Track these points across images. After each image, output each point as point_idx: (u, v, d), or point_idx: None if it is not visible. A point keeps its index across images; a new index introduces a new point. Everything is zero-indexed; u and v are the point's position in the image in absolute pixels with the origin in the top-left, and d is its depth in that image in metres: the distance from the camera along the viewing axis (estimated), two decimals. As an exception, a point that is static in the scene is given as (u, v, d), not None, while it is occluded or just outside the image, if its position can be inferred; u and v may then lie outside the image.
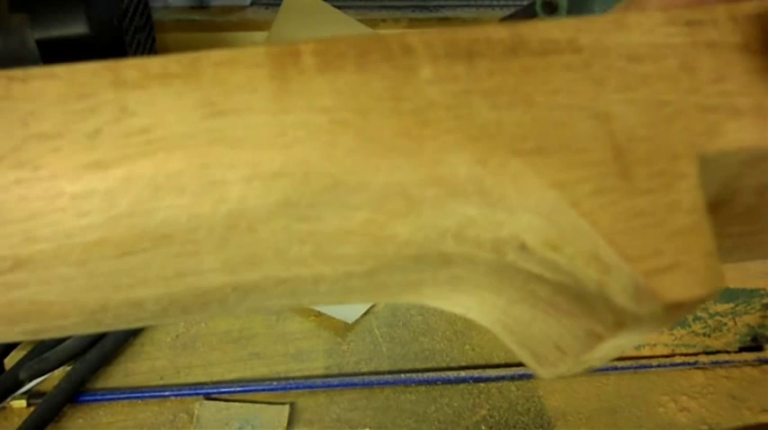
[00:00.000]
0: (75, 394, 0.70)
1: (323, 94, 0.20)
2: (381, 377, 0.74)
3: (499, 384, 0.75)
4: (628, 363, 0.77)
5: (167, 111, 0.19)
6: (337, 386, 0.73)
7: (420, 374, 0.74)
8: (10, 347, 0.71)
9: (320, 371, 0.74)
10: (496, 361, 0.77)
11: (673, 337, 0.79)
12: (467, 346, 0.77)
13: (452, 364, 0.76)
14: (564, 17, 0.22)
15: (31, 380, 0.69)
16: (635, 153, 0.21)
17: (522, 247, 0.21)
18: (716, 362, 0.78)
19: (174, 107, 0.19)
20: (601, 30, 0.22)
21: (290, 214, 0.20)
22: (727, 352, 0.80)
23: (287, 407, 0.71)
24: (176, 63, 0.20)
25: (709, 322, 0.79)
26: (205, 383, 0.72)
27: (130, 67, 0.20)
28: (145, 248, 0.20)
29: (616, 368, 0.77)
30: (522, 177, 0.20)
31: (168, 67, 0.20)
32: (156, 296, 0.21)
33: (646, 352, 0.79)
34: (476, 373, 0.75)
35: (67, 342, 0.70)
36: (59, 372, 0.70)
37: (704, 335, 0.79)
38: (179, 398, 0.71)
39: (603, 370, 0.76)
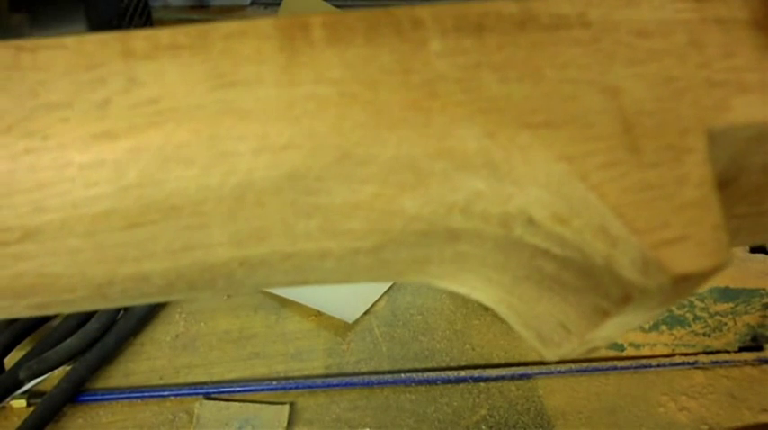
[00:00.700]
0: (75, 394, 0.70)
1: (332, 67, 0.20)
2: (381, 377, 0.74)
3: (499, 384, 0.75)
4: (628, 363, 0.77)
5: (176, 83, 0.19)
6: (337, 386, 0.73)
7: (420, 374, 0.74)
8: (10, 347, 0.70)
9: (320, 371, 0.74)
10: (496, 360, 0.77)
11: (673, 337, 0.79)
12: (467, 346, 0.77)
13: (452, 364, 0.76)
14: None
15: (30, 380, 0.69)
16: (643, 127, 0.21)
17: (530, 221, 0.21)
18: (716, 362, 0.78)
19: (182, 78, 0.19)
20: (610, 5, 0.22)
21: (298, 187, 0.20)
22: (727, 351, 0.80)
23: (287, 407, 0.71)
24: (185, 35, 0.20)
25: (709, 322, 0.79)
26: (205, 383, 0.72)
27: (139, 38, 0.20)
28: (153, 220, 0.19)
29: (616, 368, 0.77)
30: (530, 150, 0.20)
31: (177, 39, 0.20)
32: (163, 270, 0.21)
33: (646, 352, 0.79)
34: (476, 373, 0.75)
35: (67, 342, 0.70)
36: (59, 372, 0.70)
37: (704, 334, 0.79)
38: (179, 397, 0.71)
39: (603, 370, 0.76)
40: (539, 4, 0.22)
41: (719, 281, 0.75)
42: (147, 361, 0.74)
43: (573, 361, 0.77)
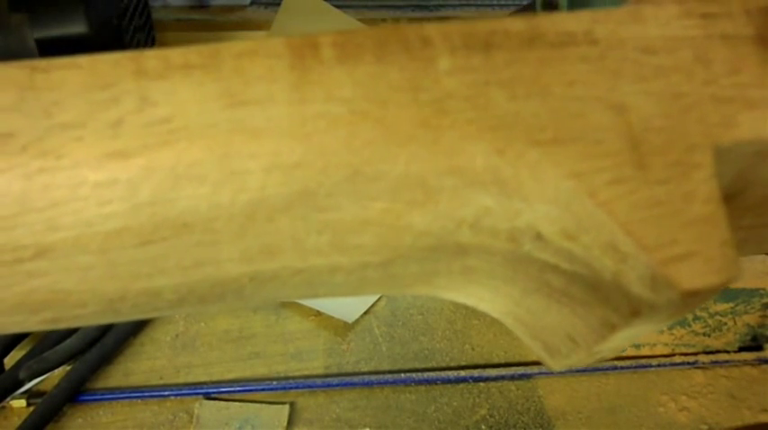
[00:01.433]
0: (75, 394, 0.70)
1: (342, 85, 0.20)
2: (381, 377, 0.74)
3: (499, 384, 0.75)
4: (628, 363, 0.77)
5: (188, 102, 0.19)
6: (337, 386, 0.73)
7: (420, 374, 0.74)
8: (10, 347, 0.70)
9: (320, 371, 0.74)
10: (496, 360, 0.77)
11: (673, 337, 0.79)
12: (467, 346, 0.77)
13: (452, 364, 0.76)
14: (581, 11, 0.23)
15: (30, 380, 0.69)
16: (651, 143, 0.21)
17: (539, 237, 0.21)
18: (716, 362, 0.78)
19: (194, 97, 0.20)
20: (616, 22, 0.22)
21: (309, 204, 0.20)
22: (727, 351, 0.80)
23: (287, 407, 0.71)
24: (197, 54, 0.20)
25: (709, 322, 0.80)
26: (205, 383, 0.72)
27: (152, 57, 0.20)
28: (165, 237, 0.20)
29: (616, 368, 0.77)
30: (539, 167, 0.20)
31: (189, 58, 0.20)
32: (174, 285, 0.21)
33: (646, 352, 0.79)
34: (475, 373, 0.75)
35: (67, 342, 0.70)
36: (59, 372, 0.70)
37: (704, 334, 0.80)
38: (179, 397, 0.71)
39: (603, 370, 0.76)
40: (546, 22, 0.22)
41: (719, 281, 0.75)
42: (147, 361, 0.74)
43: (573, 361, 0.77)
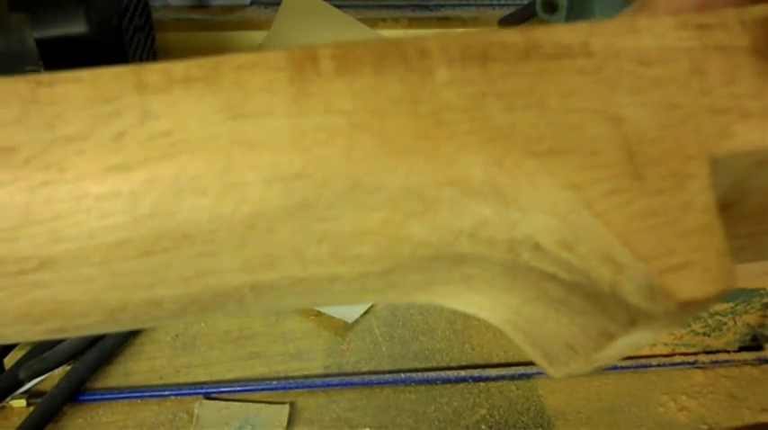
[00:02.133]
0: (75, 394, 0.70)
1: (341, 97, 0.20)
2: (381, 376, 0.74)
3: (499, 384, 0.75)
4: (628, 363, 0.77)
5: (189, 115, 0.20)
6: (337, 385, 0.73)
7: (420, 374, 0.74)
8: (10, 347, 0.71)
9: (320, 371, 0.75)
10: (496, 360, 0.77)
11: (673, 337, 0.79)
12: (466, 346, 0.77)
13: (452, 364, 0.76)
14: (578, 22, 0.23)
15: (30, 380, 0.69)
16: (647, 154, 0.21)
17: (536, 247, 0.21)
18: (716, 362, 0.78)
19: (195, 110, 0.20)
20: (612, 34, 0.22)
21: (309, 215, 0.20)
22: (727, 351, 0.80)
23: (287, 407, 0.71)
24: (198, 67, 0.20)
25: (709, 321, 0.80)
26: (205, 383, 0.72)
27: (154, 71, 0.20)
28: (166, 248, 0.20)
29: (616, 368, 0.77)
30: (536, 178, 0.20)
31: (190, 71, 0.20)
32: (175, 295, 0.21)
33: (646, 351, 0.79)
34: (475, 373, 0.75)
35: (67, 342, 0.70)
36: (59, 372, 0.70)
37: (704, 334, 0.80)
38: (179, 397, 0.72)
39: (603, 369, 0.76)
40: (542, 34, 0.22)
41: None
42: (146, 360, 0.74)
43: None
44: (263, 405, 0.71)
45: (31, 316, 0.20)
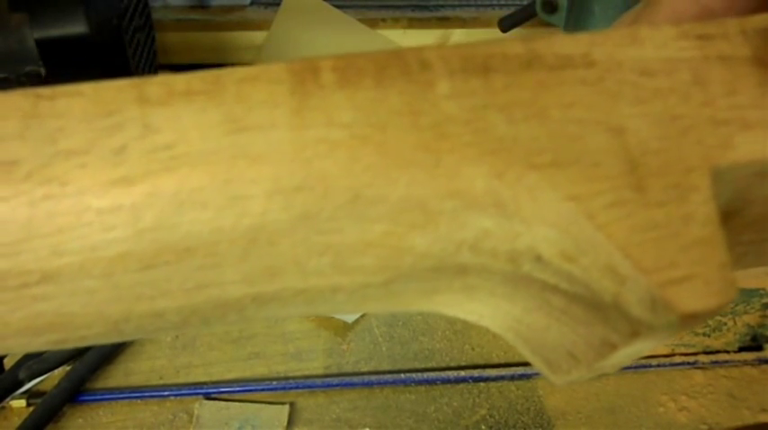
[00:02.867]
0: (75, 394, 0.70)
1: (342, 110, 0.20)
2: (381, 377, 0.74)
3: (499, 384, 0.75)
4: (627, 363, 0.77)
5: (191, 128, 0.20)
6: (337, 386, 0.73)
7: (420, 374, 0.74)
8: (10, 347, 0.71)
9: (320, 371, 0.75)
10: (496, 360, 0.77)
11: (672, 337, 0.79)
12: (466, 346, 0.77)
13: (452, 364, 0.76)
14: (579, 34, 0.23)
15: (30, 380, 0.69)
16: (649, 166, 0.21)
17: (538, 259, 0.21)
18: (715, 362, 0.78)
19: (197, 123, 0.20)
20: (614, 44, 0.22)
21: (310, 227, 0.20)
22: (727, 351, 0.80)
23: (286, 407, 0.71)
24: (200, 80, 0.20)
25: (709, 322, 0.80)
26: (205, 383, 0.73)
27: (155, 84, 0.20)
28: (168, 261, 0.20)
29: (615, 367, 0.77)
30: (538, 190, 0.20)
31: (192, 85, 0.20)
32: (177, 307, 0.21)
33: (645, 352, 0.79)
34: (475, 373, 0.75)
35: (67, 342, 0.70)
36: (59, 372, 0.70)
37: (704, 334, 0.80)
38: (179, 397, 0.72)
39: (603, 371, 0.76)
40: (543, 45, 0.22)
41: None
42: (147, 361, 0.74)
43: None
44: (262, 405, 0.72)
45: (33, 328, 0.20)
